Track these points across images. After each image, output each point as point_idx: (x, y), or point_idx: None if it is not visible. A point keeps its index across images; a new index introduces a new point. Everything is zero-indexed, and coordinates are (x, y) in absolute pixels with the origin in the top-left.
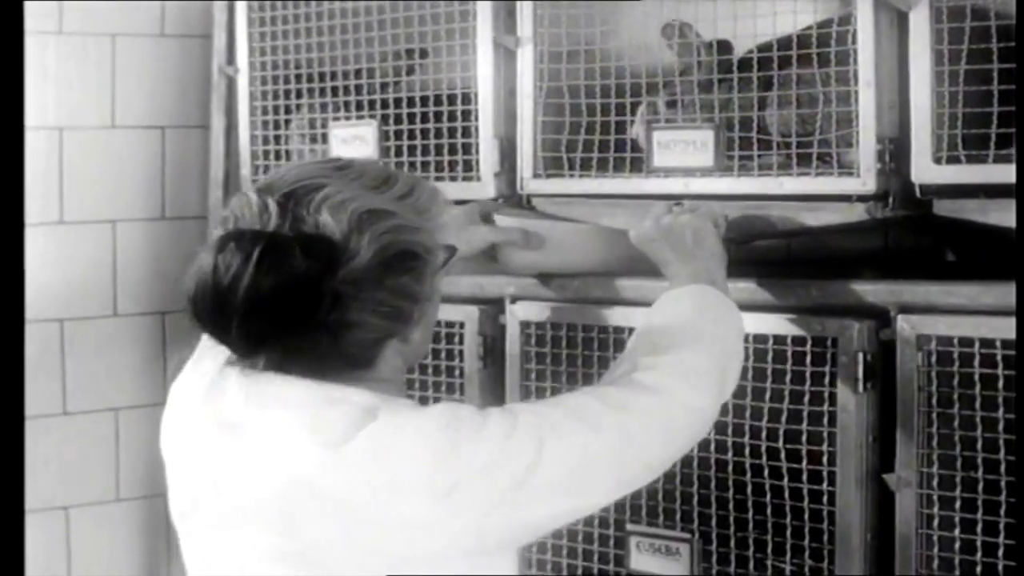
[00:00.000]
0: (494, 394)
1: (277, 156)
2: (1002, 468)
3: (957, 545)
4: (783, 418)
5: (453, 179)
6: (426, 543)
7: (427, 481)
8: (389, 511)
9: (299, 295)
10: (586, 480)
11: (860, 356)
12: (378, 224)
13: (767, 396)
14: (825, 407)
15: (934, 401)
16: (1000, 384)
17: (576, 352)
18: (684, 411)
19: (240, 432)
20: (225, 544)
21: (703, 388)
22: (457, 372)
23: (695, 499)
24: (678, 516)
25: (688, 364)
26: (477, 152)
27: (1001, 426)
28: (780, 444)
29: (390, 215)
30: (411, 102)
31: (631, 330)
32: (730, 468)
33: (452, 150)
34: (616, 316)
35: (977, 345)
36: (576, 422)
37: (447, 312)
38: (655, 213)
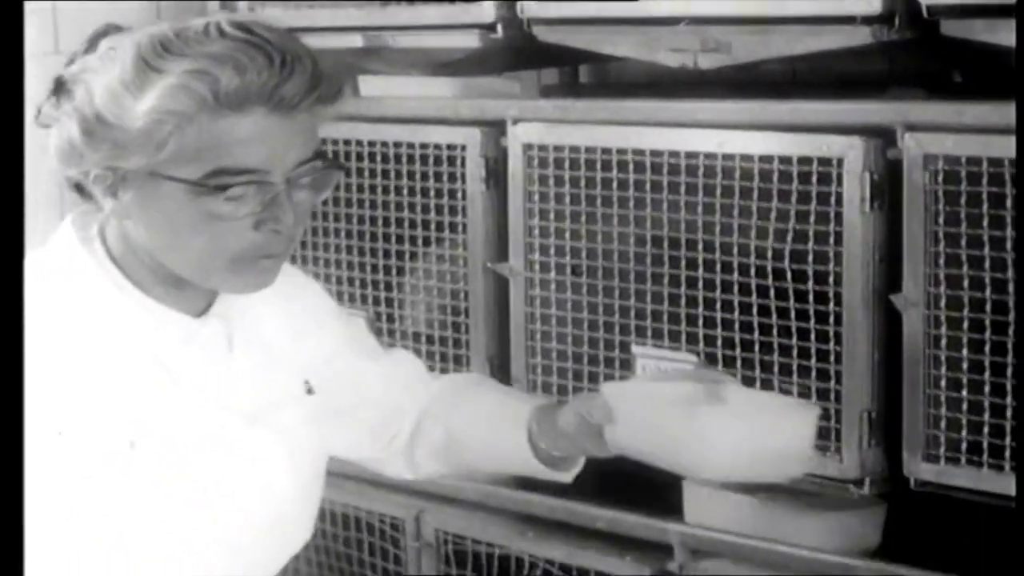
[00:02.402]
0: (497, 218)
1: None
2: (1009, 287)
3: (965, 365)
4: (789, 238)
5: (452, 0)
6: None
7: None
8: None
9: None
10: None
11: (866, 176)
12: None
13: (772, 216)
14: (831, 227)
15: (941, 220)
16: (1008, 203)
17: (579, 174)
18: None
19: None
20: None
21: None
22: (459, 195)
23: (700, 320)
24: (683, 337)
25: None
26: None
27: (1009, 245)
28: (786, 265)
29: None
30: None
31: (636, 151)
32: (736, 289)
33: None
34: (621, 136)
35: (985, 164)
36: None
37: (448, 135)
38: None
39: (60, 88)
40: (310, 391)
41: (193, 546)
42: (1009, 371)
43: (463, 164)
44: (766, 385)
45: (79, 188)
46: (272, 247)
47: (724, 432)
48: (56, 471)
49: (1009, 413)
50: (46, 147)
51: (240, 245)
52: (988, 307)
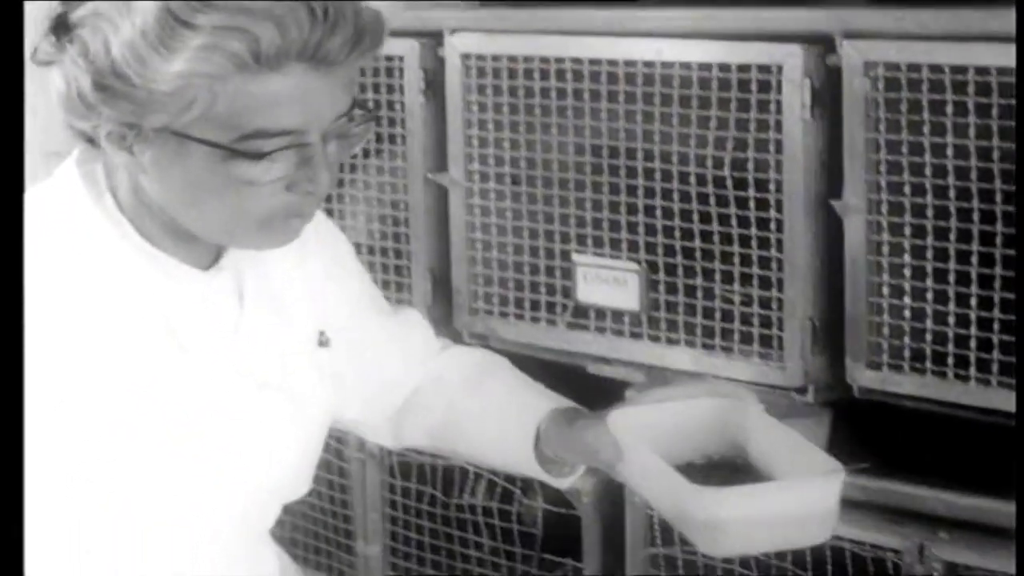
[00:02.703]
0: (436, 128)
1: None
2: (951, 193)
3: (908, 271)
4: (729, 146)
5: None
6: None
7: None
8: None
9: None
10: None
11: (806, 83)
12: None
13: (712, 124)
14: (771, 135)
15: (882, 127)
16: (949, 110)
17: (518, 83)
18: None
19: None
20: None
21: None
22: (398, 106)
23: (641, 228)
24: (624, 246)
25: None
26: None
27: (950, 152)
28: (726, 172)
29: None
30: None
31: (574, 60)
32: (676, 197)
33: None
34: (559, 45)
35: (925, 71)
36: None
37: (386, 46)
38: None
39: (63, 28)
40: (323, 343)
41: (200, 510)
42: (952, 277)
43: (401, 75)
44: (708, 294)
45: (88, 138)
46: (304, 207)
47: (738, 521)
48: (58, 434)
49: (952, 320)
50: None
51: (270, 207)
52: (930, 213)
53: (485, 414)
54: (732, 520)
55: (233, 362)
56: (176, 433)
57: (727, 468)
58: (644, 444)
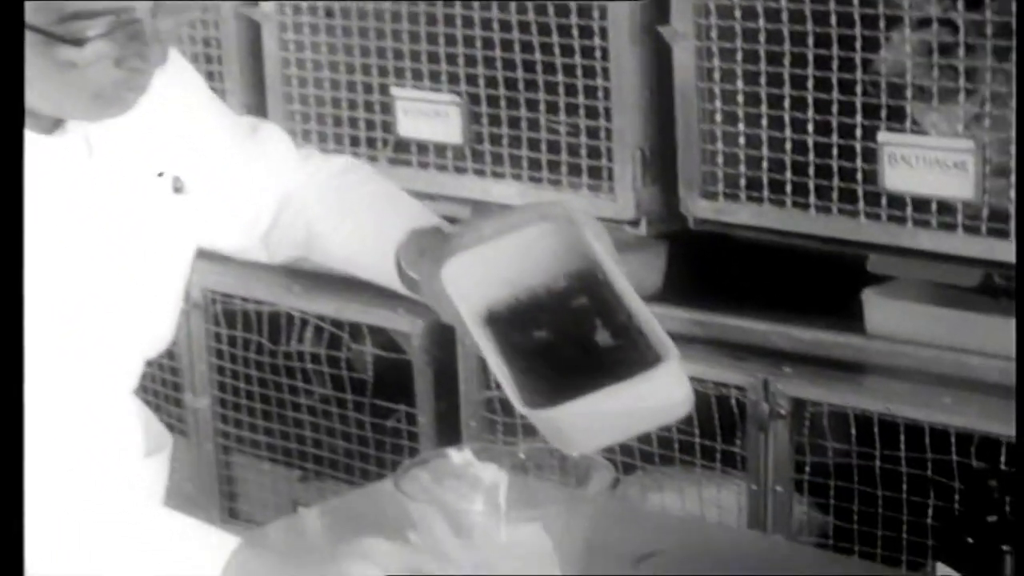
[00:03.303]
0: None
1: None
2: (784, 16)
3: (741, 98)
4: None
5: None
6: None
7: None
8: None
9: None
10: None
11: None
12: None
13: None
14: None
15: None
16: None
17: None
18: None
19: None
20: None
21: None
22: None
23: (461, 59)
24: (444, 78)
25: None
26: None
27: None
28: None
29: None
30: None
31: None
32: (496, 26)
33: None
34: None
35: None
36: None
37: None
38: None
39: None
40: (178, 189)
41: (77, 386)
42: (787, 103)
43: None
44: (533, 125)
45: None
46: (136, 82)
47: (583, 427)
48: None
49: (788, 146)
50: None
51: (100, 84)
52: (762, 37)
53: (346, 236)
54: (576, 428)
55: (88, 223)
56: (59, 326)
57: (588, 291)
58: (480, 321)
